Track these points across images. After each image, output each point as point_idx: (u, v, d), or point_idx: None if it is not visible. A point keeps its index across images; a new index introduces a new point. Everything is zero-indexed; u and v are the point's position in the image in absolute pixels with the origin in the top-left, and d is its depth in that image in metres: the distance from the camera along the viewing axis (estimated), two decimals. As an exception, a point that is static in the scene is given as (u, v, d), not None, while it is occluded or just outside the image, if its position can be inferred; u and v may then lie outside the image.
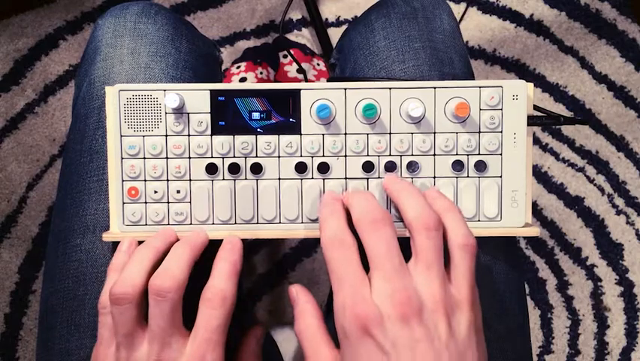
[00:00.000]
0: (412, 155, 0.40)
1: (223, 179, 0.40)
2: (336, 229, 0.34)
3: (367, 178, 0.40)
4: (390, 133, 0.39)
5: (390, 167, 0.39)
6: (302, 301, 0.36)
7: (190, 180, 0.39)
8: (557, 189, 0.96)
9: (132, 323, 0.34)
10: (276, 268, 0.91)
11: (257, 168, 0.39)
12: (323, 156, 0.39)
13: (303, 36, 0.97)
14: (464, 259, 0.33)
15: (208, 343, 0.33)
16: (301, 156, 0.39)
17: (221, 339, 0.34)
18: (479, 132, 0.39)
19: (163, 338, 0.33)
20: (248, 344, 0.41)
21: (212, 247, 0.38)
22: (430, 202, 0.36)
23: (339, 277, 0.32)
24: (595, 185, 0.96)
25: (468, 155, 0.40)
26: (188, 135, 0.39)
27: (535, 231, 0.40)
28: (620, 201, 0.96)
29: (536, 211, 0.95)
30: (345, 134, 0.39)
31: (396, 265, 0.32)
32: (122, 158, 0.39)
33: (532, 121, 0.40)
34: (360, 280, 0.32)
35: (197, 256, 0.37)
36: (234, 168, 0.39)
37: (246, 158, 0.39)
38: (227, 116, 0.39)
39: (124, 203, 0.39)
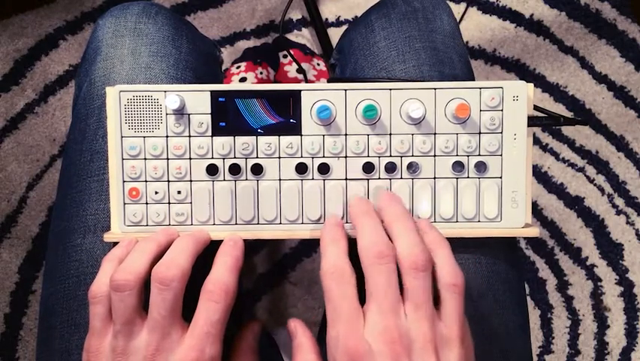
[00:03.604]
0: (413, 156, 0.40)
1: (224, 180, 0.40)
2: (336, 258, 0.34)
3: (368, 179, 0.40)
4: (390, 134, 0.39)
5: (391, 168, 0.39)
6: (300, 334, 0.36)
7: (191, 180, 0.39)
8: (557, 189, 0.96)
9: (132, 312, 0.33)
10: (276, 268, 0.91)
11: (257, 169, 0.39)
12: (323, 156, 0.40)
13: (303, 36, 0.97)
14: (453, 299, 0.34)
15: (207, 336, 0.33)
16: (302, 156, 0.39)
17: (220, 333, 0.34)
18: (479, 133, 0.39)
19: (163, 328, 0.33)
20: (244, 338, 0.41)
21: (213, 247, 0.38)
22: (420, 235, 0.36)
23: (335, 310, 0.33)
24: (595, 185, 0.96)
25: (468, 156, 0.40)
26: (189, 136, 0.39)
27: (535, 231, 0.40)
28: (620, 201, 0.96)
29: (536, 211, 0.95)
30: (346, 135, 0.39)
31: (393, 302, 0.32)
32: (123, 158, 0.39)
33: (532, 122, 0.40)
34: (354, 316, 0.32)
35: (200, 251, 0.37)
36: (235, 169, 0.39)
37: (246, 159, 0.39)
38: (227, 117, 0.39)
39: (125, 204, 0.39)
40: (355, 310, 0.33)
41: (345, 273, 0.33)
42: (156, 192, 0.39)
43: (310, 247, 0.91)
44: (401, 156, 0.40)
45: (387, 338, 0.31)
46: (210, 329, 0.33)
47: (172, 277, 0.33)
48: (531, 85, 0.40)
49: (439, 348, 0.32)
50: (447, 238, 0.37)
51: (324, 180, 0.40)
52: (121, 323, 0.33)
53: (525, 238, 0.95)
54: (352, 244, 0.36)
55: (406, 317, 0.32)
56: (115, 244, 0.39)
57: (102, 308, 0.34)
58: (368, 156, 0.40)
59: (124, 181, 0.39)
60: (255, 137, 0.39)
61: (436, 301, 0.34)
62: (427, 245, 0.36)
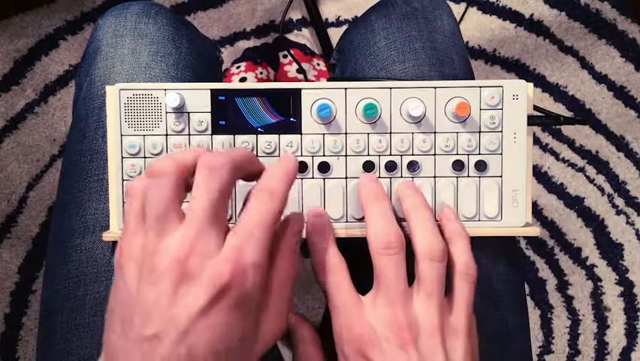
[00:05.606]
0: (413, 154, 0.40)
1: (223, 179, 0.39)
2: (324, 253, 0.35)
3: (368, 178, 0.40)
4: (390, 133, 0.39)
5: (391, 166, 0.39)
6: (300, 328, 0.36)
7: (190, 179, 0.39)
8: (557, 189, 0.96)
9: (167, 204, 0.28)
10: (276, 268, 0.91)
11: (257, 168, 0.39)
12: (323, 155, 0.39)
13: (303, 36, 0.97)
14: (464, 288, 0.34)
15: (249, 238, 0.28)
16: (302, 155, 0.39)
17: (264, 238, 0.28)
18: (479, 132, 0.39)
19: (202, 224, 0.27)
20: (285, 237, 0.33)
21: None
22: (444, 222, 0.37)
23: (334, 302, 0.34)
24: (595, 185, 0.96)
25: (468, 155, 0.40)
26: (189, 135, 0.39)
27: (535, 231, 0.40)
28: (620, 201, 0.96)
29: (536, 211, 0.95)
30: (346, 133, 0.39)
31: (401, 291, 0.33)
32: (123, 157, 0.39)
33: (532, 121, 0.40)
34: (353, 304, 0.33)
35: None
36: (235, 168, 0.39)
37: (246, 157, 0.39)
38: (227, 116, 0.39)
39: (124, 202, 0.39)
40: (353, 298, 0.33)
41: (336, 265, 0.34)
42: (156, 191, 0.39)
43: (310, 247, 0.91)
44: (401, 155, 0.40)
45: (394, 326, 0.32)
46: (252, 230, 0.28)
47: (223, 163, 0.29)
48: (531, 84, 0.40)
49: (445, 337, 0.32)
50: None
51: (324, 178, 0.40)
52: (153, 216, 0.28)
53: (525, 238, 0.95)
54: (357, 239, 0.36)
55: (415, 305, 0.33)
56: (114, 243, 0.39)
57: (138, 203, 0.29)
58: (368, 155, 0.39)
59: (123, 180, 0.39)
60: (255, 135, 0.39)
61: (447, 291, 0.34)
62: (446, 234, 0.36)
